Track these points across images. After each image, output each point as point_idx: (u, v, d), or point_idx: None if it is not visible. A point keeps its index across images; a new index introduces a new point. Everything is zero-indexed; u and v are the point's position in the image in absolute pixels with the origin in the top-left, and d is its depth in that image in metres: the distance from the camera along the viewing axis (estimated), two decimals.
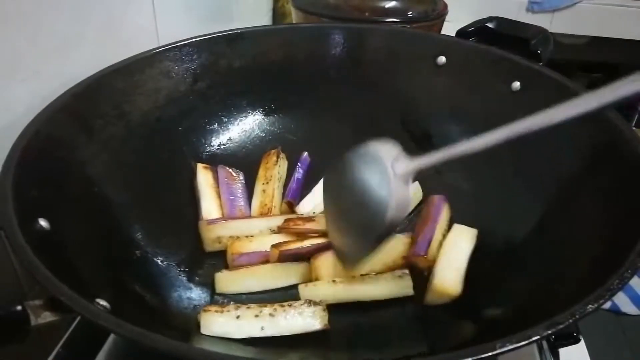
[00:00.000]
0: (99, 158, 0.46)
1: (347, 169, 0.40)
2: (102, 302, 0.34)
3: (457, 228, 0.47)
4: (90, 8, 0.51)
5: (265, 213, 0.50)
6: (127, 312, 0.36)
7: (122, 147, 0.48)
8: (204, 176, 0.52)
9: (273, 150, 0.56)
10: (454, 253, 0.44)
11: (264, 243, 0.45)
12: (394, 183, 0.37)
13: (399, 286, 0.42)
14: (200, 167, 0.53)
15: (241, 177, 0.54)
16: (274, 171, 0.53)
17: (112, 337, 0.41)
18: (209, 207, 0.50)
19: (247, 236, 0.47)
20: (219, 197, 0.51)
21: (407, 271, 0.43)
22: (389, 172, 0.37)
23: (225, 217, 0.49)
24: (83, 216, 0.41)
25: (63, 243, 0.37)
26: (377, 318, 0.41)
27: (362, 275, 0.43)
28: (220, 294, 0.43)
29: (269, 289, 0.44)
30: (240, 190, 0.52)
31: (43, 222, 0.36)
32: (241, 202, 0.51)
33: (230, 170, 0.54)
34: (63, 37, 0.48)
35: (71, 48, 0.49)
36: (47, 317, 0.30)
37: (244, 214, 0.50)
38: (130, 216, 0.46)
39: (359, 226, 0.39)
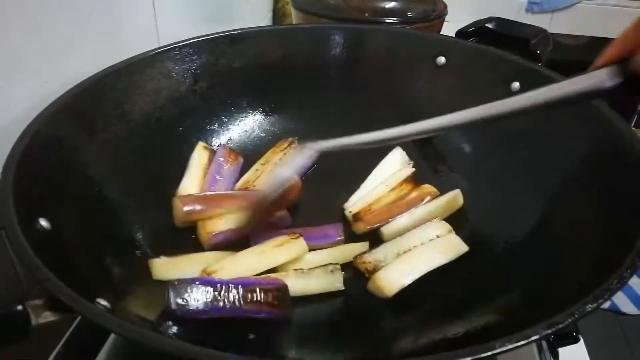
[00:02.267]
0: (99, 158, 0.46)
1: None
2: (103, 302, 0.34)
3: (448, 239, 0.45)
4: (90, 8, 0.51)
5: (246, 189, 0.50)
6: (127, 311, 0.36)
7: (123, 147, 0.49)
8: (198, 154, 0.53)
9: (290, 138, 0.56)
10: (418, 259, 0.43)
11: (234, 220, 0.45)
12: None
13: (330, 281, 0.42)
14: (200, 145, 0.53)
15: (240, 161, 0.54)
16: (277, 156, 0.54)
17: (112, 337, 0.41)
18: (189, 183, 0.50)
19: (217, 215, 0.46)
20: (204, 176, 0.51)
21: (338, 266, 0.42)
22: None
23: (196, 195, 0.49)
24: (84, 216, 0.41)
25: (63, 243, 0.37)
26: (361, 316, 0.41)
27: (295, 270, 0.42)
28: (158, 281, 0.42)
29: None
30: (230, 173, 0.52)
31: (44, 222, 0.36)
32: (223, 184, 0.51)
33: (233, 152, 0.54)
34: (63, 37, 0.48)
35: (71, 48, 0.49)
36: (48, 316, 0.30)
37: None
38: (130, 216, 0.46)
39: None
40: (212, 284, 0.37)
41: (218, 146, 0.56)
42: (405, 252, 0.43)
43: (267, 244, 0.43)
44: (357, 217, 0.48)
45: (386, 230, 0.47)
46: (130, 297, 0.38)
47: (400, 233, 0.46)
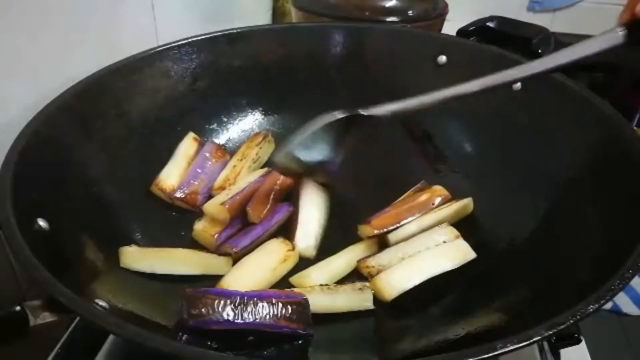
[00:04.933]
0: (98, 158, 0.46)
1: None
2: (101, 303, 0.34)
3: (456, 244, 0.43)
4: (90, 8, 0.51)
5: (224, 187, 0.50)
6: (126, 312, 0.36)
7: (122, 146, 0.48)
8: (186, 145, 0.53)
9: (262, 132, 0.56)
10: (422, 264, 0.41)
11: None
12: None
13: (359, 299, 0.40)
14: (190, 135, 0.53)
15: (227, 159, 0.54)
16: (253, 151, 0.54)
17: (111, 337, 0.41)
18: (170, 171, 0.50)
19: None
20: (187, 167, 0.51)
21: (367, 284, 0.41)
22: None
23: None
24: (82, 216, 0.41)
25: (62, 243, 0.37)
26: (360, 324, 0.40)
27: (321, 286, 0.40)
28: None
29: (174, 274, 0.42)
30: (214, 169, 0.52)
31: (42, 222, 0.35)
32: (205, 177, 0.51)
33: (220, 148, 0.54)
34: (63, 37, 0.48)
35: (71, 48, 0.49)
36: (46, 317, 0.30)
37: (197, 190, 0.50)
38: (129, 216, 0.46)
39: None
40: (227, 295, 0.35)
41: (206, 140, 0.55)
42: (410, 256, 0.42)
43: (273, 258, 0.43)
44: (365, 221, 0.46)
45: (393, 237, 0.45)
46: (129, 297, 0.38)
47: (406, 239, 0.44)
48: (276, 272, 0.43)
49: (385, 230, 0.46)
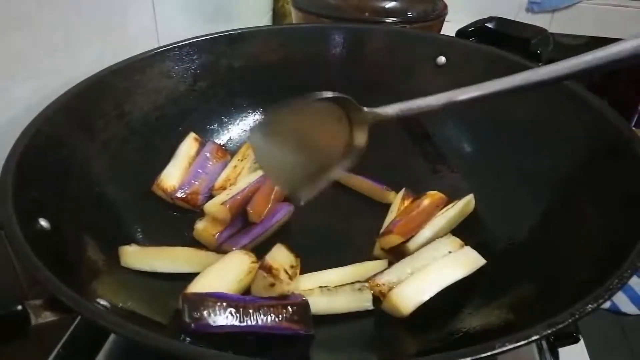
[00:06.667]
0: (99, 158, 0.46)
1: (299, 112, 0.39)
2: (103, 302, 0.34)
3: (464, 253, 0.43)
4: (90, 8, 0.51)
5: (224, 187, 0.50)
6: (127, 311, 0.36)
7: (123, 146, 0.49)
8: (187, 145, 0.53)
9: None
10: (436, 274, 0.40)
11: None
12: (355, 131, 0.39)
13: (358, 299, 0.40)
14: (191, 136, 0.53)
15: (228, 160, 0.54)
16: None
17: (112, 337, 0.41)
18: (171, 172, 0.50)
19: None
20: (189, 167, 0.51)
21: (366, 284, 0.40)
22: (350, 120, 0.40)
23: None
24: (84, 216, 0.41)
25: (63, 243, 0.37)
26: (363, 325, 0.40)
27: (320, 287, 0.40)
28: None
29: (175, 272, 0.42)
30: (214, 169, 0.52)
31: (43, 222, 0.36)
32: (205, 177, 0.51)
33: (221, 149, 0.54)
34: (64, 37, 0.48)
35: (72, 48, 0.49)
36: (48, 316, 0.30)
37: (198, 190, 0.50)
38: (130, 215, 0.46)
39: (310, 165, 0.40)
40: (228, 298, 0.35)
41: (207, 141, 0.55)
42: (419, 270, 0.41)
43: (240, 268, 0.42)
44: (386, 231, 0.45)
45: (412, 245, 0.44)
46: (130, 296, 0.38)
47: (424, 246, 0.44)
48: (242, 283, 0.41)
49: (411, 235, 0.44)
